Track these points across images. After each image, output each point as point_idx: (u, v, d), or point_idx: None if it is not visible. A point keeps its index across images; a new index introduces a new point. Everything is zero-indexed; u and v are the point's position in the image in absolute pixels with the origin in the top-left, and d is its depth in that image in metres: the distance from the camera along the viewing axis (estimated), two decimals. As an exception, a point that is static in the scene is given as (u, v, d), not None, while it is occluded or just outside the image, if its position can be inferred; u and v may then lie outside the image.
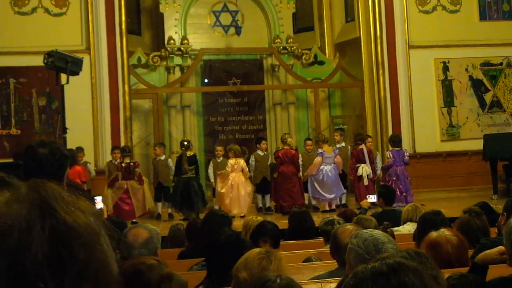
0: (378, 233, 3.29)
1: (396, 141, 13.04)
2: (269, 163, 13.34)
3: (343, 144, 13.50)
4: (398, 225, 6.81)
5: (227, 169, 12.53)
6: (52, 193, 1.00)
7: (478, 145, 14.06)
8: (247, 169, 12.70)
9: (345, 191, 13.19)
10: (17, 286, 0.92)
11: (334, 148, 13.07)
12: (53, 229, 0.96)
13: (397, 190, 11.82)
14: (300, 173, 12.79)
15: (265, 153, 13.15)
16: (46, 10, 13.71)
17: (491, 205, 7.20)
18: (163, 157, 13.01)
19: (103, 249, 1.01)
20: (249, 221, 6.64)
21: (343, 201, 13.19)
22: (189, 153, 12.79)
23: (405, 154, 12.91)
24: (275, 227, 5.69)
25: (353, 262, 3.14)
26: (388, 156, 12.93)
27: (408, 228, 6.55)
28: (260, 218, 6.68)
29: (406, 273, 1.41)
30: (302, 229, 6.98)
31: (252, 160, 13.11)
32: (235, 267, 3.14)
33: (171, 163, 12.99)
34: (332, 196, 12.62)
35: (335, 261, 4.33)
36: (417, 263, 1.48)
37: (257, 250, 3.19)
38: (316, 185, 12.63)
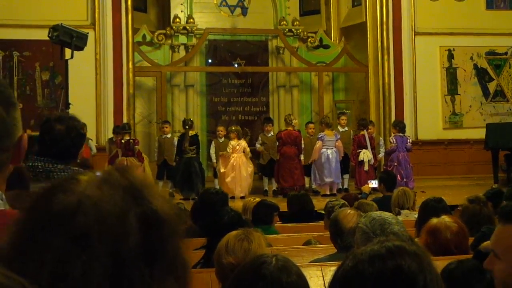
0: (387, 214, 3.31)
1: (401, 126, 13.00)
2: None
3: (346, 128, 13.48)
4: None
5: (228, 150, 12.51)
6: (140, 181, 0.99)
7: (481, 134, 14.02)
8: (248, 149, 12.69)
9: (345, 176, 13.21)
10: (115, 273, 0.91)
11: (336, 132, 13.04)
12: (145, 218, 0.94)
13: (398, 175, 11.79)
14: (302, 155, 12.75)
15: (272, 134, 13.10)
16: (52, -16, 13.62)
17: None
18: (169, 135, 13.00)
19: (183, 238, 1.01)
20: (248, 202, 6.65)
21: (345, 186, 13.19)
22: (191, 133, 12.78)
23: (408, 140, 12.90)
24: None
25: (359, 240, 3.16)
26: (391, 141, 12.91)
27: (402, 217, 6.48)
28: (258, 199, 6.70)
29: (403, 257, 1.40)
30: (302, 212, 6.99)
31: (259, 141, 13.07)
32: (215, 253, 3.12)
33: (176, 141, 12.94)
34: (331, 180, 12.61)
35: (333, 244, 4.32)
36: (418, 247, 1.47)
37: (234, 233, 3.17)
38: (318, 169, 12.63)
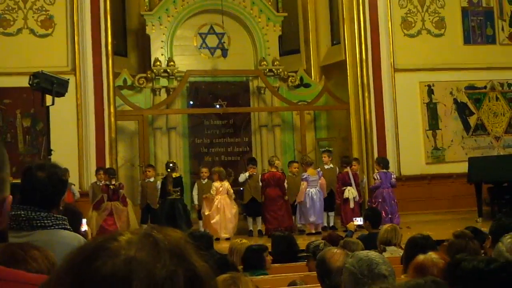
0: (373, 254, 3.31)
1: (384, 163, 13.06)
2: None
3: (331, 165, 13.50)
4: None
5: (211, 192, 12.48)
6: (179, 241, 0.98)
7: (463, 168, 14.11)
8: (231, 191, 12.66)
9: (331, 214, 13.21)
10: None
11: (318, 170, 13.08)
12: (190, 279, 0.94)
13: (383, 212, 11.81)
14: (286, 196, 12.75)
15: (254, 174, 13.09)
16: (32, 31, 13.70)
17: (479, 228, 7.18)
18: (152, 179, 12.96)
19: None
20: (234, 244, 6.61)
21: (331, 223, 13.17)
22: (174, 175, 12.77)
23: (392, 176, 12.94)
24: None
25: (346, 281, 3.15)
26: (376, 177, 12.94)
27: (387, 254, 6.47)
28: (245, 241, 6.66)
29: None
30: (286, 252, 6.95)
31: (244, 176, 12.98)
32: None
33: (159, 185, 12.92)
34: (314, 219, 12.59)
35: (320, 284, 4.30)
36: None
37: (222, 277, 3.15)
38: (302, 209, 12.62)
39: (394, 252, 6.28)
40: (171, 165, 13.02)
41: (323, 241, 6.04)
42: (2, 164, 1.50)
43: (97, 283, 0.88)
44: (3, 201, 1.49)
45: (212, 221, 12.38)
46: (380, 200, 12.59)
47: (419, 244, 4.90)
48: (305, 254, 6.11)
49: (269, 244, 7.46)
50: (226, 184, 12.63)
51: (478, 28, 16.12)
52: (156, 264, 0.91)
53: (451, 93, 15.73)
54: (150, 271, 0.90)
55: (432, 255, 3.91)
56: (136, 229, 0.98)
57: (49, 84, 9.58)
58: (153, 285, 0.89)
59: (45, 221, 3.05)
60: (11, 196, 1.52)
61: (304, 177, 12.68)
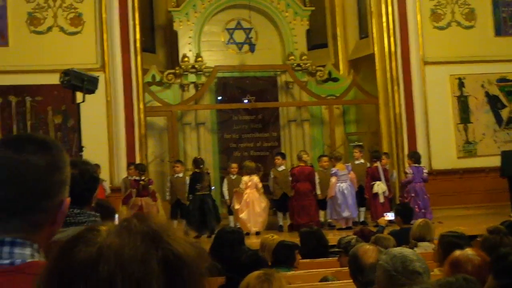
0: (407, 251, 3.28)
1: (416, 157, 12.97)
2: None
3: (362, 160, 13.42)
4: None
5: (241, 186, 12.52)
6: (161, 225, 1.01)
7: (496, 161, 13.94)
8: (260, 185, 12.67)
9: (362, 209, 13.14)
10: None
11: (347, 164, 13.02)
12: (166, 261, 0.96)
13: (416, 207, 11.73)
14: (318, 191, 12.69)
15: (283, 168, 13.05)
16: (62, 29, 13.81)
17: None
18: (181, 174, 12.99)
19: (207, 283, 1.03)
20: (266, 239, 6.59)
21: (362, 219, 13.10)
22: (198, 170, 12.78)
23: (424, 170, 12.83)
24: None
25: (380, 278, 3.12)
26: (408, 172, 12.85)
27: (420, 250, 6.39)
28: (276, 237, 6.64)
29: None
30: (316, 248, 6.91)
31: (271, 176, 13.05)
32: None
33: (188, 180, 12.95)
34: (348, 214, 12.54)
35: (352, 281, 4.27)
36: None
37: (255, 273, 3.15)
38: (334, 204, 12.56)
39: (428, 248, 6.21)
40: (200, 161, 13.07)
41: (355, 236, 5.99)
42: (62, 166, 1.54)
43: (71, 269, 0.94)
44: (61, 203, 1.52)
45: (241, 215, 12.42)
46: (412, 195, 12.52)
47: (452, 244, 4.82)
48: (337, 249, 6.07)
49: (298, 239, 7.44)
50: (255, 178, 12.64)
51: (510, 19, 15.87)
52: (124, 247, 0.94)
53: (482, 86, 15.52)
54: (117, 253, 0.94)
55: (468, 251, 3.86)
56: (121, 220, 1.02)
57: (79, 81, 9.65)
58: (119, 265, 0.92)
59: (78, 218, 3.07)
60: (69, 198, 1.54)
61: (333, 172, 12.63)
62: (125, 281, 0.91)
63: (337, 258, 6.13)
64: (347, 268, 4.40)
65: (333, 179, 12.55)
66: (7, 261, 1.43)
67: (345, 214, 12.49)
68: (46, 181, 1.48)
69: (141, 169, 12.54)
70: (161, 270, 0.94)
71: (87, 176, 3.24)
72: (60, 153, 1.55)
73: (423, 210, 12.27)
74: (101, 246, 0.95)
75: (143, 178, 12.30)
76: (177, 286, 0.95)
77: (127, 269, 0.92)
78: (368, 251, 4.02)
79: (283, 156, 13.54)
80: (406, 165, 13.33)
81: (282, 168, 13.03)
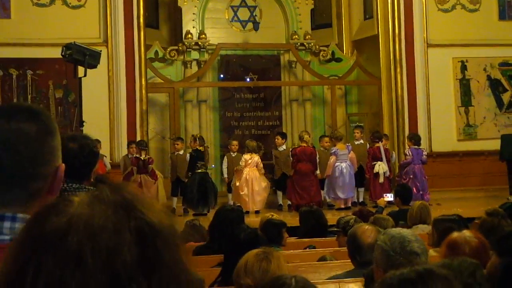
0: (406, 231, 3.27)
1: (416, 139, 12.96)
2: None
3: (361, 141, 13.41)
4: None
5: (240, 163, 12.50)
6: (134, 195, 0.99)
7: (495, 145, 13.93)
8: (261, 164, 12.65)
9: (361, 189, 13.15)
10: None
11: (348, 144, 13.02)
12: (139, 231, 0.94)
13: (414, 188, 11.73)
14: (318, 171, 12.68)
15: (284, 148, 13.04)
16: (65, 2, 13.72)
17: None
18: (181, 152, 12.93)
19: (183, 251, 1.01)
20: (264, 218, 6.59)
21: (361, 199, 13.11)
22: (201, 149, 12.75)
23: (423, 152, 12.84)
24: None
25: (378, 258, 3.12)
26: (407, 153, 12.85)
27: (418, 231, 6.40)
28: (276, 216, 6.65)
29: (435, 281, 1.36)
30: (315, 227, 6.92)
31: (273, 156, 13.06)
32: (235, 272, 3.11)
33: (188, 158, 12.90)
34: (344, 195, 12.54)
35: (350, 260, 4.28)
36: (449, 271, 1.43)
37: (254, 252, 3.15)
38: (332, 184, 12.56)
39: (425, 229, 6.22)
40: (200, 138, 13.07)
41: (354, 216, 5.99)
42: (53, 131, 1.53)
43: (40, 239, 0.93)
44: (56, 169, 1.51)
45: (241, 193, 12.42)
46: (411, 176, 12.53)
47: (447, 228, 4.82)
48: (335, 229, 6.08)
49: (297, 219, 7.45)
50: (256, 157, 12.62)
51: (514, 3, 15.77)
52: (95, 217, 0.93)
53: (484, 69, 15.46)
54: (87, 224, 0.92)
55: (465, 233, 3.86)
56: (93, 190, 1.01)
57: (81, 56, 9.62)
58: (89, 236, 0.91)
59: (77, 192, 3.05)
60: (63, 165, 1.53)
61: (333, 151, 12.60)
62: (95, 252, 0.90)
63: (335, 237, 6.14)
64: (345, 248, 4.41)
65: (332, 158, 12.52)
66: (8, 237, 1.43)
67: (340, 194, 12.49)
68: (40, 147, 1.48)
69: (142, 145, 12.50)
70: (134, 240, 0.93)
71: (86, 150, 3.23)
72: (49, 118, 1.54)
73: (421, 192, 12.29)
74: (71, 216, 0.93)
75: (143, 156, 12.27)
76: (151, 256, 0.94)
77: (97, 240, 0.91)
78: (366, 231, 4.03)
79: (284, 135, 13.49)
80: (407, 146, 13.32)
81: (282, 148, 13.00)
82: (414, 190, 11.61)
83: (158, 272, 0.94)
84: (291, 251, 5.95)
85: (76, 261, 0.90)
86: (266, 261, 3.00)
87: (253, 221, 8.99)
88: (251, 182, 12.44)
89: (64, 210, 0.95)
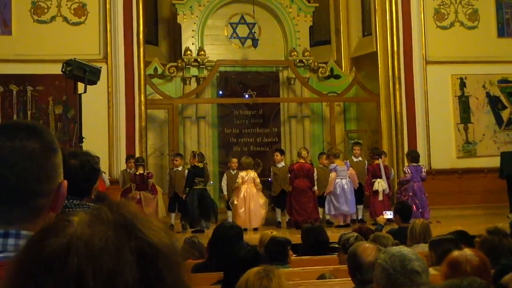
0: (406, 250, 3.27)
1: (415, 156, 12.95)
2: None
3: (360, 158, 13.42)
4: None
5: (237, 181, 12.48)
6: (134, 214, 0.99)
7: (495, 162, 13.94)
8: (258, 180, 12.63)
9: (360, 207, 13.14)
10: None
11: (346, 161, 13.02)
12: (140, 251, 0.94)
13: (414, 206, 11.72)
14: (315, 187, 12.68)
15: (283, 164, 13.05)
16: (65, 19, 13.78)
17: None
18: (180, 168, 12.91)
19: (184, 269, 1.01)
20: (264, 235, 6.56)
21: (360, 216, 13.09)
22: (200, 165, 12.72)
23: (423, 170, 12.82)
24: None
25: (378, 277, 3.11)
26: (406, 171, 12.84)
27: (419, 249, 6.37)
28: (275, 233, 6.62)
29: None
30: (316, 245, 6.89)
31: (272, 173, 13.08)
32: None
33: (186, 173, 12.86)
34: (347, 209, 12.52)
35: (351, 278, 4.26)
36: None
37: (255, 269, 3.14)
38: (333, 199, 12.54)
39: (425, 248, 6.19)
40: (200, 154, 13.05)
41: (355, 234, 5.96)
42: (55, 148, 1.54)
43: (39, 261, 0.92)
44: (59, 186, 1.52)
45: (239, 211, 12.39)
46: (410, 193, 12.50)
47: (445, 250, 4.80)
48: (336, 245, 6.05)
49: (298, 236, 7.42)
50: (252, 173, 12.61)
51: (513, 20, 15.85)
52: (95, 237, 0.92)
53: (483, 86, 15.50)
54: (87, 244, 0.91)
55: (466, 251, 3.85)
56: (91, 209, 1.00)
57: (81, 72, 9.64)
58: (89, 257, 0.90)
59: (78, 209, 3.04)
60: (66, 181, 1.53)
61: (332, 167, 12.61)
62: (96, 273, 0.90)
63: (336, 255, 6.12)
64: (345, 265, 4.39)
65: (333, 174, 12.53)
66: (12, 254, 1.41)
67: (344, 208, 12.47)
68: (44, 164, 1.48)
69: (139, 161, 12.46)
70: (135, 260, 0.92)
71: (87, 167, 3.23)
72: (51, 135, 1.55)
73: (420, 210, 12.26)
74: (71, 237, 0.93)
75: (140, 171, 12.23)
76: (153, 276, 0.93)
77: (98, 261, 0.90)
78: (367, 249, 4.01)
79: (282, 152, 13.51)
80: (406, 164, 13.31)
81: (281, 164, 13.02)
82: (414, 208, 11.59)
83: None
84: (291, 269, 5.92)
85: (76, 283, 0.89)
86: (267, 279, 2.99)
87: (252, 238, 8.96)
88: (249, 199, 12.42)
89: (63, 230, 0.94)
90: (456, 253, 3.85)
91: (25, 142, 1.48)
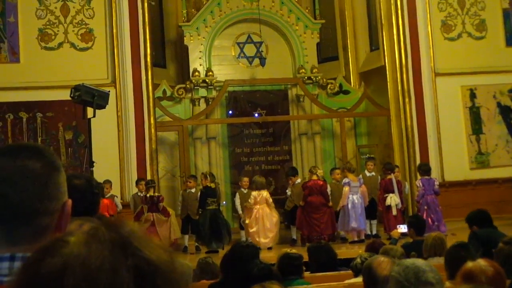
0: (420, 261, 3.26)
1: (425, 169, 12.86)
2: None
3: (373, 173, 13.40)
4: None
5: (250, 201, 12.46)
6: (130, 231, 0.98)
7: (509, 172, 13.90)
8: (270, 200, 12.62)
9: (373, 222, 13.10)
10: None
11: (359, 177, 12.98)
12: (138, 269, 0.93)
13: (429, 219, 11.64)
14: (330, 203, 12.63)
15: (299, 181, 13.09)
16: (72, 45, 13.91)
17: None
18: (193, 190, 12.83)
19: (183, 283, 1.00)
20: (283, 253, 6.56)
21: (374, 231, 13.03)
22: (212, 185, 12.72)
23: (435, 183, 12.70)
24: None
25: (392, 289, 3.10)
26: (418, 185, 12.75)
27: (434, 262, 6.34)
28: (295, 251, 6.60)
29: None
30: (324, 264, 6.87)
31: (288, 191, 13.07)
32: None
33: (199, 195, 12.83)
34: (356, 225, 12.46)
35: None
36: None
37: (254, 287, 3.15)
38: (344, 215, 12.50)
39: (441, 261, 6.17)
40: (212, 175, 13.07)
41: (360, 254, 5.92)
42: (58, 167, 1.55)
43: (35, 283, 0.92)
44: (63, 205, 1.52)
45: (250, 230, 12.37)
46: (425, 207, 12.38)
47: (459, 257, 4.78)
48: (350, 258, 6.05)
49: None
50: (265, 193, 12.60)
51: (521, 29, 15.85)
52: (91, 257, 0.92)
53: (494, 96, 15.48)
54: (83, 264, 0.91)
55: (481, 262, 3.83)
56: (89, 228, 0.99)
57: (90, 97, 9.70)
58: (85, 277, 0.90)
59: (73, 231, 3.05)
60: (70, 200, 1.54)
61: (346, 182, 12.57)
62: None
63: (350, 270, 6.11)
64: (360, 280, 4.38)
65: (346, 189, 12.47)
66: (5, 278, 1.42)
67: (353, 225, 12.42)
68: (47, 183, 1.49)
69: (149, 183, 12.43)
70: (132, 278, 0.92)
71: (91, 188, 3.25)
72: (53, 155, 1.56)
73: (436, 223, 12.16)
74: (67, 257, 0.92)
75: (150, 194, 12.22)
76: None
77: (94, 281, 0.90)
78: (382, 263, 3.99)
79: (295, 171, 13.53)
80: (418, 177, 13.23)
81: (298, 181, 13.06)
82: (429, 222, 11.52)
83: None
84: (309, 283, 5.89)
85: None
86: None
87: (266, 257, 8.94)
88: (262, 219, 12.40)
89: (59, 251, 0.94)
90: (470, 264, 3.83)
91: (27, 161, 1.50)
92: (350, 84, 17.21)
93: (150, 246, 0.97)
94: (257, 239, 12.19)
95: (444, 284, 3.37)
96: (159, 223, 12.10)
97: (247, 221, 12.47)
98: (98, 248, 0.94)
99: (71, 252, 0.93)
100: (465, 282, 3.88)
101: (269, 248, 12.09)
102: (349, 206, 12.48)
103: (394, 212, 12.56)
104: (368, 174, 13.33)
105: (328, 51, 17.74)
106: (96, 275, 0.91)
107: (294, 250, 6.59)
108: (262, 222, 12.37)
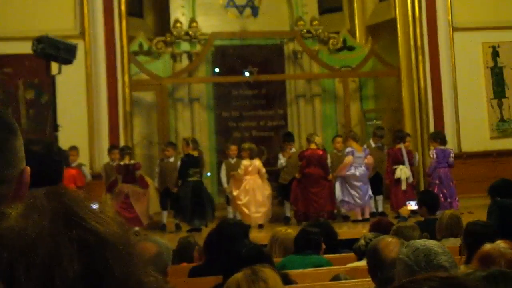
0: (432, 243, 3.27)
1: (441, 138, 12.82)
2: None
3: (379, 143, 13.39)
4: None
5: (239, 171, 12.42)
6: (76, 200, 1.00)
7: (534, 142, 13.97)
8: (263, 170, 12.61)
9: (379, 197, 13.16)
10: None
11: (365, 147, 12.96)
12: (83, 241, 0.95)
13: (441, 195, 11.68)
14: (330, 175, 12.61)
15: (294, 151, 13.07)
16: (35, -10, 13.78)
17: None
18: (172, 159, 12.74)
19: (138, 262, 1.01)
20: (277, 233, 6.61)
21: (380, 209, 13.09)
22: (195, 153, 12.70)
23: (451, 154, 12.64)
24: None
25: (400, 274, 3.12)
26: (431, 155, 12.67)
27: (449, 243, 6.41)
28: (290, 231, 6.65)
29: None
30: (325, 242, 6.92)
31: (282, 160, 13.04)
32: None
33: (179, 164, 12.76)
34: (361, 203, 12.48)
35: (371, 278, 4.29)
36: (475, 283, 1.45)
37: (241, 273, 3.19)
38: (346, 190, 12.52)
39: (456, 243, 6.22)
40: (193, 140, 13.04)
41: (364, 237, 5.98)
42: (16, 130, 1.55)
43: None
44: (21, 173, 1.52)
45: (239, 203, 12.35)
46: (436, 181, 12.35)
47: (479, 233, 4.84)
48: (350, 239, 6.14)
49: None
50: (257, 162, 12.60)
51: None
52: (28, 228, 0.93)
53: (519, 55, 15.50)
54: (19, 237, 0.93)
55: (500, 244, 3.88)
56: (28, 198, 1.01)
57: (55, 50, 9.66)
58: (22, 251, 0.92)
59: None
60: (28, 168, 1.55)
61: (349, 150, 12.49)
62: (29, 268, 0.91)
63: (352, 253, 6.18)
64: (363, 264, 4.42)
65: (348, 158, 12.38)
66: None
67: (358, 200, 12.42)
68: (2, 148, 1.48)
69: (125, 150, 12.35)
70: (77, 251, 0.93)
71: (54, 152, 3.26)
72: (9, 117, 1.55)
73: (448, 200, 12.17)
74: (2, 231, 0.94)
75: (126, 162, 12.15)
76: (99, 269, 0.94)
77: (32, 255, 0.91)
78: (389, 244, 4.01)
79: (293, 139, 13.54)
80: (431, 147, 13.23)
81: (292, 150, 13.06)
82: (442, 198, 11.54)
83: (107, 285, 0.95)
84: (300, 270, 5.94)
85: (8, 280, 0.91)
86: (263, 282, 3.03)
87: (256, 236, 9.00)
88: (253, 191, 12.41)
89: None
90: (488, 246, 3.88)
91: None
92: (356, 39, 17.18)
93: (98, 217, 0.99)
94: (246, 211, 12.20)
95: (457, 269, 3.40)
96: (135, 197, 12.04)
97: (234, 193, 12.44)
98: (37, 218, 0.95)
99: (7, 225, 0.95)
100: (482, 266, 3.93)
101: (260, 227, 12.15)
102: (352, 180, 12.42)
103: (404, 186, 12.57)
104: (373, 145, 13.31)
105: (330, 1, 17.67)
106: (33, 249, 0.92)
107: (289, 230, 6.64)
108: (253, 194, 12.38)
